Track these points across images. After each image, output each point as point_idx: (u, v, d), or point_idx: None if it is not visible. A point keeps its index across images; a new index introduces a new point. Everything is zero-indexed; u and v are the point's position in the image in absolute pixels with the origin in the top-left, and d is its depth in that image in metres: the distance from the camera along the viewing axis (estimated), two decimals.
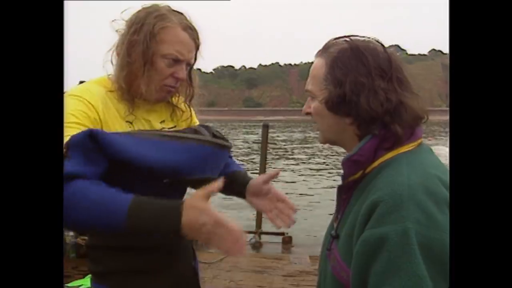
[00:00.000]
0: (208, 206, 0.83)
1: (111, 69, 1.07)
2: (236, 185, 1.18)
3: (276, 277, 3.23)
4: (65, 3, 0.63)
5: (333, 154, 14.44)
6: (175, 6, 1.09)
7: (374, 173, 0.75)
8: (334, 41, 0.82)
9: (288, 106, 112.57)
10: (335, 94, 0.77)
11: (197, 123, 1.21)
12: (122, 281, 1.04)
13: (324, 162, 13.37)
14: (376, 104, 0.74)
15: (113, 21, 1.06)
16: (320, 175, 10.84)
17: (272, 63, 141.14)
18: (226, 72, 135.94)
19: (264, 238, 4.14)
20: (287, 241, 4.15)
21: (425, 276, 0.61)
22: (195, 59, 1.10)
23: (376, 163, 0.76)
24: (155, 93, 1.05)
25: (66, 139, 0.87)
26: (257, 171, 4.67)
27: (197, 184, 0.97)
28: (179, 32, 1.03)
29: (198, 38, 1.08)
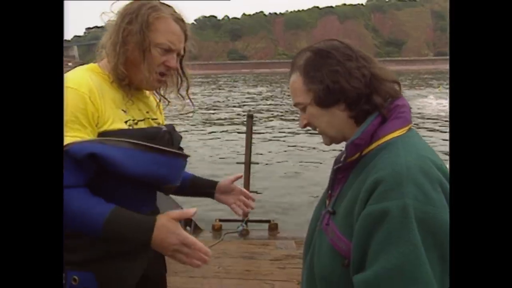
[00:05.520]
0: (178, 228, 0.97)
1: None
2: (203, 188, 1.38)
3: (263, 262, 3.29)
4: (65, 3, 0.65)
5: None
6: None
7: (372, 155, 0.84)
8: (298, 55, 0.93)
9: (274, 58, 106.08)
10: (320, 90, 0.88)
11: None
12: (105, 266, 1.08)
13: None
14: (356, 81, 0.86)
15: (103, 13, 1.10)
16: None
17: (257, 12, 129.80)
18: (208, 23, 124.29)
19: (251, 226, 4.19)
20: (273, 228, 4.22)
21: (419, 245, 0.70)
22: (184, 50, 1.16)
23: (372, 146, 0.86)
24: (150, 81, 1.11)
25: (64, 139, 0.94)
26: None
27: (167, 190, 1.24)
28: (171, 22, 1.09)
29: (187, 30, 1.14)
